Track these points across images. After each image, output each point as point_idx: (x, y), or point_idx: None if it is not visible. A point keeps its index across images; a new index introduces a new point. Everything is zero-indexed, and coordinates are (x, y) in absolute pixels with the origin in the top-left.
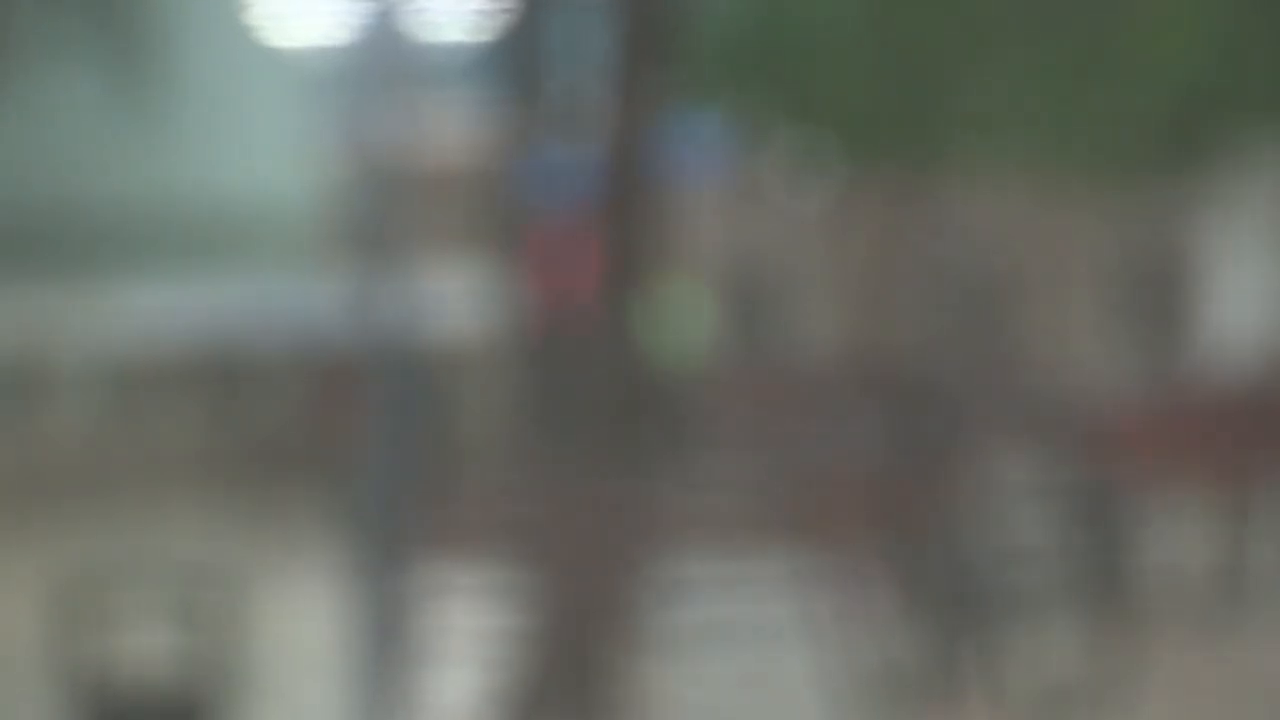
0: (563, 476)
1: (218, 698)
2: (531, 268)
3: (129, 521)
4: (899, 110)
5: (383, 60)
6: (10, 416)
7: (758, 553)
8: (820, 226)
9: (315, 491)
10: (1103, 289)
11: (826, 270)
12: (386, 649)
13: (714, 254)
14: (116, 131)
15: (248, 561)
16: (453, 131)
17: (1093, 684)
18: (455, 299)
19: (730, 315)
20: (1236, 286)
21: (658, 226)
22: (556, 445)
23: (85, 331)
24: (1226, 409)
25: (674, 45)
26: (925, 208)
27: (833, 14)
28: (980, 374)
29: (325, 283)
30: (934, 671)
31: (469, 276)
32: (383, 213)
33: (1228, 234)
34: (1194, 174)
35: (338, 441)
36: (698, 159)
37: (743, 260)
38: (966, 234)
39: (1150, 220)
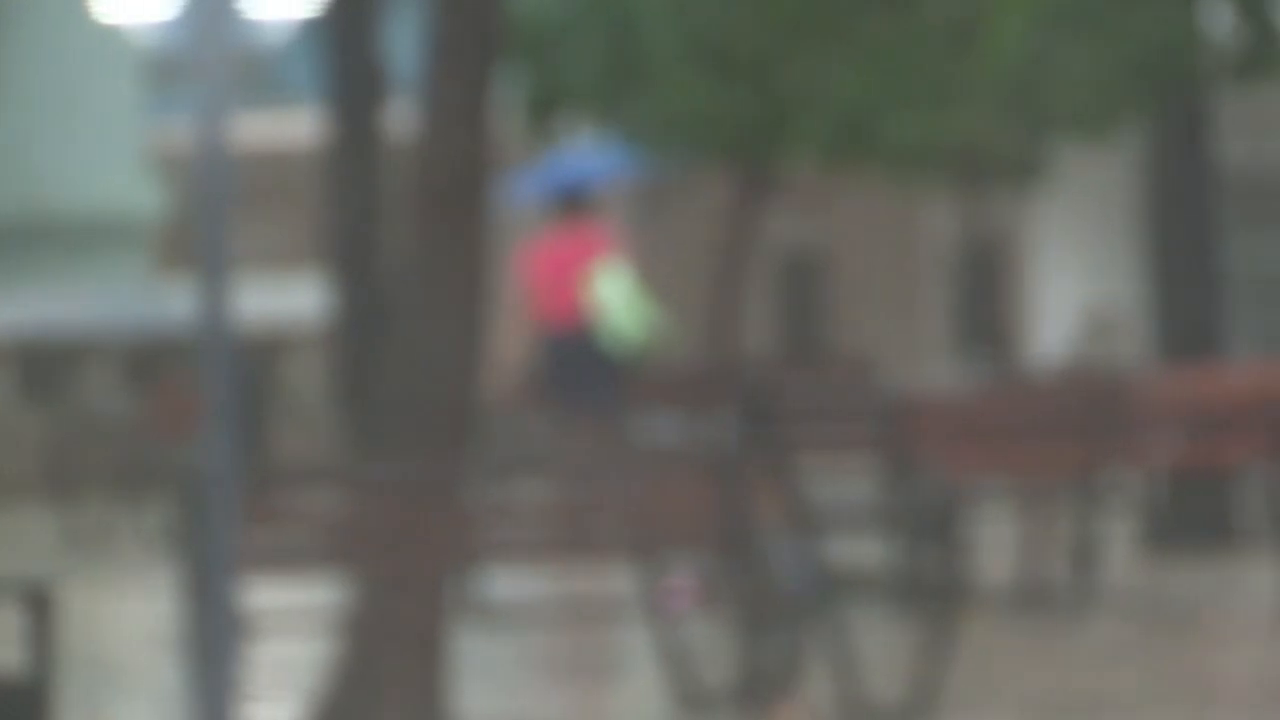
0: (387, 476)
1: (46, 705)
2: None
3: None
4: (740, 104)
5: (211, 42)
6: None
7: (585, 559)
8: (666, 227)
9: (147, 494)
10: (936, 286)
11: (672, 273)
12: (215, 651)
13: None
14: None
15: (78, 565)
16: (285, 118)
17: (923, 688)
18: (290, 293)
19: None
20: (1063, 286)
21: (488, 223)
22: (386, 443)
23: None
24: (1050, 408)
25: (497, 46)
26: (766, 202)
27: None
28: (813, 373)
29: (159, 279)
30: (765, 677)
31: (303, 270)
32: (214, 203)
33: (1056, 234)
34: (1026, 173)
35: (171, 442)
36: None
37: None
38: (805, 227)
39: (984, 217)
